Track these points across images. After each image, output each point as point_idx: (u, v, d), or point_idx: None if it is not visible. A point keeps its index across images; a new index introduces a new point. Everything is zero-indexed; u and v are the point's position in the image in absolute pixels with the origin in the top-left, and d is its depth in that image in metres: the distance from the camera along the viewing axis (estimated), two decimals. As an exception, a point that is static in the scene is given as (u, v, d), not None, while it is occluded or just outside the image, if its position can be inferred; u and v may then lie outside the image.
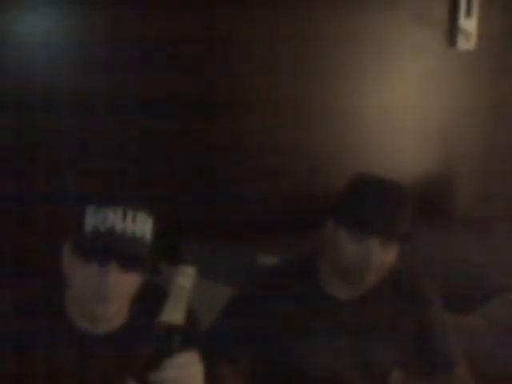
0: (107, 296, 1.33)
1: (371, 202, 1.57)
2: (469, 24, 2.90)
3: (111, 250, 1.32)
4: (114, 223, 1.33)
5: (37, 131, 2.20)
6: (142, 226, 1.37)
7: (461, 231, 2.74)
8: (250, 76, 2.51)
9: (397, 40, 2.76)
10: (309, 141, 2.65)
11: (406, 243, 1.63)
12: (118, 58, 2.28)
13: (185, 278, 1.21)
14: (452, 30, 2.89)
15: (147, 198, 1.93)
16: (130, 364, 1.34)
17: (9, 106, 2.16)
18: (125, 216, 1.34)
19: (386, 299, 1.72)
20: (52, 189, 2.21)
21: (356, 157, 2.73)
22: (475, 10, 2.89)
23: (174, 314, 1.18)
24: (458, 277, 2.55)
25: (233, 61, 2.48)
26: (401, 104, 2.81)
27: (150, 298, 1.44)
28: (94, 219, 1.34)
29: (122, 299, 1.39)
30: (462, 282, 2.54)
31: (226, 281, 2.17)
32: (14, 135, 2.18)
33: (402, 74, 2.80)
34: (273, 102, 2.56)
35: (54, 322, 1.40)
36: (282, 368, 1.71)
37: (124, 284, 1.35)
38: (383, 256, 1.58)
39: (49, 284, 1.46)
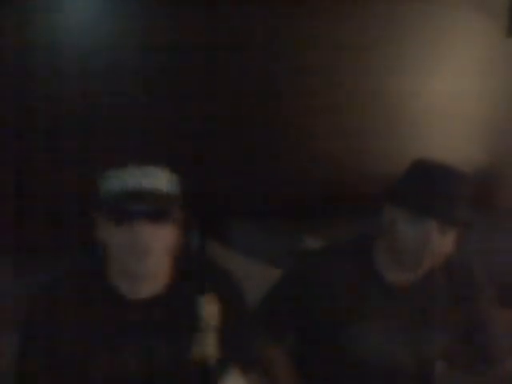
0: (142, 250, 1.37)
1: (432, 185, 1.57)
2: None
3: (135, 207, 1.36)
4: (135, 181, 1.37)
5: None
6: (159, 180, 1.41)
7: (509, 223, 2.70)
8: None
9: (456, 30, 2.72)
10: (361, 126, 2.64)
11: (465, 230, 1.61)
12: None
13: (209, 307, 1.27)
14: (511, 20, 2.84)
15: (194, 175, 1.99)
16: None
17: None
18: (140, 173, 1.39)
19: (439, 286, 1.71)
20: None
21: (408, 144, 2.71)
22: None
23: (205, 347, 1.24)
24: (507, 270, 2.51)
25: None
26: (458, 93, 2.78)
27: (195, 267, 1.51)
28: (112, 182, 1.39)
29: (158, 254, 1.41)
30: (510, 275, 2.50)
31: (272, 261, 2.18)
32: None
33: (461, 63, 2.76)
34: (333, 86, 2.54)
35: (98, 290, 1.45)
36: (329, 348, 1.71)
37: (156, 238, 1.38)
38: (441, 241, 1.57)
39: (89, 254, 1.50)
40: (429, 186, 1.57)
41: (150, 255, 1.38)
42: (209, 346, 1.25)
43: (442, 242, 1.58)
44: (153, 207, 1.38)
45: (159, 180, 1.41)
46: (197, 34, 2.30)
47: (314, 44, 2.50)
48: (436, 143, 2.77)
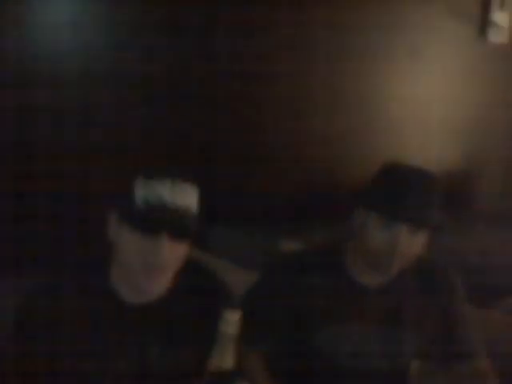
0: (156, 267, 1.35)
1: (400, 188, 1.58)
2: (501, 17, 2.87)
3: (162, 221, 1.34)
4: (164, 195, 1.35)
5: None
6: (189, 197, 1.39)
7: (484, 225, 2.73)
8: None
9: (428, 32, 2.74)
10: (335, 130, 2.65)
11: (436, 232, 1.63)
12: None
13: (229, 325, 1.27)
14: (484, 23, 2.87)
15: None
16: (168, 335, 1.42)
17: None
18: (174, 188, 1.36)
19: (411, 287, 1.73)
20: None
21: (382, 146, 2.73)
22: (509, 3, 2.86)
23: (223, 360, 1.25)
24: (480, 270, 2.54)
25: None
26: (431, 96, 2.80)
27: (191, 273, 1.49)
28: (145, 191, 1.35)
29: (169, 272, 1.40)
30: (483, 275, 2.53)
31: (249, 265, 2.19)
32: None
33: (433, 66, 2.78)
34: (304, 90, 2.56)
35: (98, 294, 1.42)
36: (305, 354, 1.72)
37: (172, 256, 1.37)
38: (410, 243, 1.59)
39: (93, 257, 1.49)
40: (396, 191, 1.59)
41: (163, 273, 1.38)
42: (228, 358, 1.26)
43: (412, 244, 1.60)
44: (179, 225, 1.36)
45: (190, 197, 1.39)
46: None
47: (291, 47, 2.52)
48: (410, 146, 2.78)
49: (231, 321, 1.27)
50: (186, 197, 1.39)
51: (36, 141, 2.13)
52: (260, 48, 2.44)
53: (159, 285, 1.40)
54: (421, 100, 2.78)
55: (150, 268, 1.36)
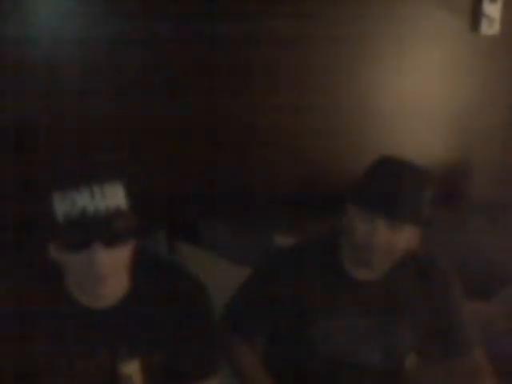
0: (101, 275, 1.30)
1: (380, 182, 1.57)
2: (493, 9, 2.87)
3: (90, 233, 1.27)
4: (83, 205, 1.26)
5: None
6: (113, 197, 1.30)
7: (477, 217, 2.73)
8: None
9: (419, 24, 2.73)
10: (328, 124, 2.64)
11: (425, 227, 1.62)
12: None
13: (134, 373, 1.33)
14: (475, 15, 2.86)
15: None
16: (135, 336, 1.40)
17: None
18: (93, 193, 1.27)
19: (406, 282, 1.72)
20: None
21: (375, 141, 2.73)
22: (500, -6, 2.85)
23: None
24: (474, 263, 2.54)
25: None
26: (422, 89, 2.79)
27: (149, 267, 1.46)
28: (63, 206, 1.27)
29: (118, 274, 1.37)
30: (477, 268, 2.53)
31: (243, 260, 2.18)
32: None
33: (424, 58, 2.77)
34: (300, 82, 2.55)
35: (55, 299, 1.40)
36: (299, 347, 1.71)
37: (115, 259, 1.31)
38: (390, 237, 1.57)
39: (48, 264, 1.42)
40: (375, 184, 1.58)
41: (108, 279, 1.32)
42: None
43: (394, 239, 1.58)
44: (109, 231, 1.28)
45: (114, 197, 1.30)
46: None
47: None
48: (403, 141, 2.78)
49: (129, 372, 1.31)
50: (110, 198, 1.29)
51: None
52: (259, 36, 2.43)
53: (112, 289, 1.37)
54: (412, 94, 2.77)
55: (95, 278, 1.31)
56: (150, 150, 2.38)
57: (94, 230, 1.27)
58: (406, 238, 1.60)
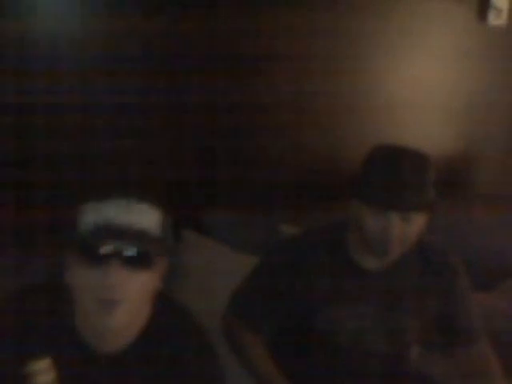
0: (112, 299, 1.17)
1: (388, 175, 1.54)
2: (500, 0, 2.86)
3: (109, 245, 1.17)
4: (111, 216, 1.17)
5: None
6: (146, 219, 1.21)
7: (481, 208, 2.73)
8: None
9: (427, 15, 2.72)
10: (334, 114, 2.64)
11: (432, 213, 1.62)
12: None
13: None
14: (483, 6, 2.85)
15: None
16: None
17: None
18: (125, 208, 1.19)
19: (413, 271, 1.73)
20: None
21: (382, 131, 2.72)
22: (508, -15, 2.85)
23: None
24: (478, 254, 2.54)
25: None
26: (430, 79, 2.79)
27: (163, 320, 1.31)
28: (91, 215, 1.19)
29: (130, 305, 1.20)
30: (481, 259, 2.53)
31: (248, 249, 2.19)
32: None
33: (432, 49, 2.77)
34: (305, 73, 2.55)
35: (64, 341, 1.27)
36: (307, 336, 1.72)
37: (129, 287, 1.18)
38: (405, 228, 1.57)
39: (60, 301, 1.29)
40: (384, 179, 1.55)
41: (120, 305, 1.18)
42: None
43: (407, 228, 1.58)
44: (131, 250, 1.17)
45: (146, 219, 1.20)
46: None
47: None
48: (409, 130, 2.78)
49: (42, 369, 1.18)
50: (142, 218, 1.19)
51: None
52: (259, 31, 2.42)
53: (123, 322, 1.21)
54: (419, 84, 2.77)
55: (106, 303, 1.17)
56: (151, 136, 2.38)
57: (116, 243, 1.17)
58: (417, 225, 1.60)
